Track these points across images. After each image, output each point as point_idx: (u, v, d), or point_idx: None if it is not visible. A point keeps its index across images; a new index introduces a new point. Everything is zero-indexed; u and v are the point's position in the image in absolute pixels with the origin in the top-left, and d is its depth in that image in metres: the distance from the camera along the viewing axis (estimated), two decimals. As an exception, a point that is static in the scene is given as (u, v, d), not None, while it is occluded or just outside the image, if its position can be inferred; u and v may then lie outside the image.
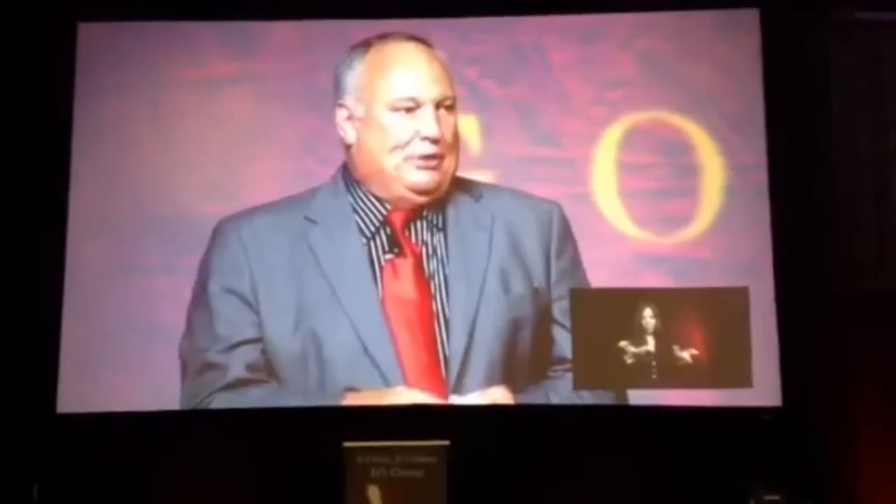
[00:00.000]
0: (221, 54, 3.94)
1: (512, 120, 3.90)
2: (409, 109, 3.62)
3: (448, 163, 3.68)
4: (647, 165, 3.87)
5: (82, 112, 3.91)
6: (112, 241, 3.84)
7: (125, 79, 3.92)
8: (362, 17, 3.86)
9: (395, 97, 3.63)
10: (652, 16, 3.94)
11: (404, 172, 3.64)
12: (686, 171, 3.87)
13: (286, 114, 3.87)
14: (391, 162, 3.64)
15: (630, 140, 3.88)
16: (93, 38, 3.95)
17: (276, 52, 3.94)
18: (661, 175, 3.87)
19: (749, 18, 3.92)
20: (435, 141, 3.62)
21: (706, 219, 3.84)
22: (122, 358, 3.76)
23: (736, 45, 3.90)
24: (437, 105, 3.64)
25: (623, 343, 3.74)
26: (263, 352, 3.65)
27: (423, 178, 3.64)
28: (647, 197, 3.85)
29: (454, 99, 3.69)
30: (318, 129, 3.80)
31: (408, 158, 3.63)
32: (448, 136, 3.66)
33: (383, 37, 3.71)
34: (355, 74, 3.67)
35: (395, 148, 3.63)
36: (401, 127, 3.63)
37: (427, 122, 3.61)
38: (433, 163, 3.64)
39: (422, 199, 3.67)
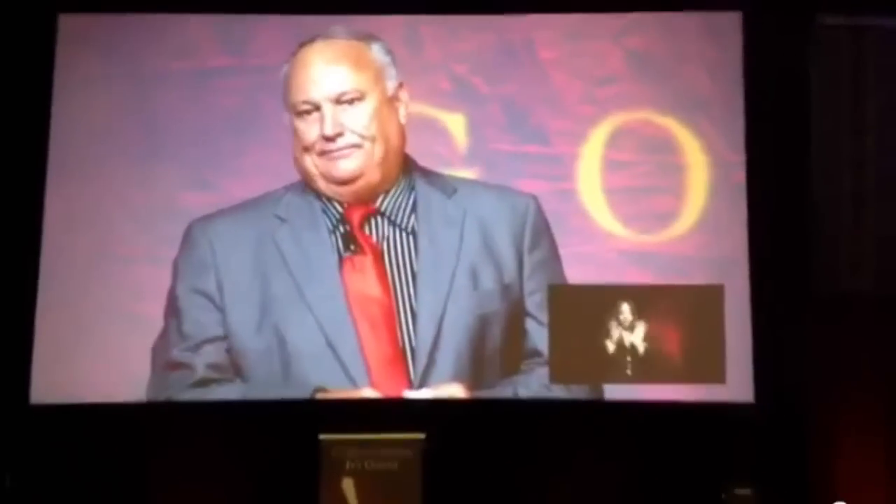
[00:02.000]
0: (209, 47, 3.94)
1: (500, 116, 3.90)
2: (309, 112, 3.68)
3: (372, 151, 3.69)
4: (633, 163, 3.89)
5: (62, 103, 3.89)
6: (93, 230, 3.82)
7: (107, 70, 3.91)
8: (352, 13, 3.87)
9: (295, 103, 3.71)
10: (640, 15, 3.95)
11: (325, 169, 3.69)
12: (671, 169, 3.88)
13: (273, 107, 3.85)
14: (309, 162, 3.71)
15: (617, 138, 3.89)
16: (73, 28, 3.94)
17: (266, 45, 3.93)
18: (647, 172, 3.88)
19: (733, 21, 3.94)
20: (331, 139, 3.66)
21: (690, 216, 3.86)
22: (98, 347, 3.75)
23: (721, 47, 3.92)
24: (337, 101, 3.67)
25: (599, 338, 3.75)
26: (228, 350, 3.67)
27: (342, 166, 3.69)
28: (632, 194, 3.86)
29: (361, 91, 3.69)
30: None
31: (321, 157, 3.68)
32: (358, 128, 3.68)
33: (311, 40, 3.76)
34: (281, 85, 3.75)
35: (306, 150, 3.70)
36: (307, 130, 3.70)
37: (324, 121, 3.66)
38: (346, 152, 3.68)
39: (347, 189, 3.69)
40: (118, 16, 3.96)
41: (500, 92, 3.91)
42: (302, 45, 3.76)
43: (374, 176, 3.70)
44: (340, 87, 3.69)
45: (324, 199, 3.74)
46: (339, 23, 3.82)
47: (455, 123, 3.88)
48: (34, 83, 3.89)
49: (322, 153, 3.68)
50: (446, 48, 3.91)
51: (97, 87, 3.91)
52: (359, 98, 3.69)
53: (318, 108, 3.68)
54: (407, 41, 3.85)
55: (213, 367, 3.66)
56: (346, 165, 3.69)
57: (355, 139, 3.68)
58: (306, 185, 3.75)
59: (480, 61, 3.93)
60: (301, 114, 3.69)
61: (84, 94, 3.90)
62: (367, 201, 3.72)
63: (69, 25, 3.95)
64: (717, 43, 3.92)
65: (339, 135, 3.67)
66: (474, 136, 3.89)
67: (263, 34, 3.95)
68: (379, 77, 3.72)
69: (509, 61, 3.93)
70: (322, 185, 3.72)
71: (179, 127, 3.89)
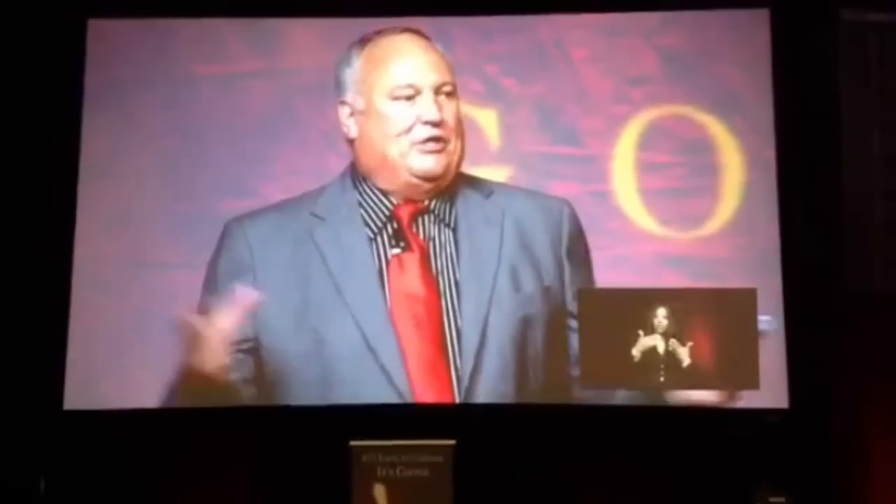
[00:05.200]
0: (240, 51, 3.94)
1: (532, 117, 3.89)
2: (408, 97, 3.64)
3: (453, 148, 3.68)
4: (668, 164, 3.87)
5: (93, 108, 3.90)
6: (126, 236, 3.83)
7: (138, 75, 3.91)
8: (381, 15, 3.86)
9: (394, 85, 3.65)
10: (670, 14, 3.93)
11: (409, 159, 3.65)
12: (706, 169, 3.86)
13: (306, 109, 3.87)
14: (395, 149, 3.65)
15: (650, 138, 3.87)
16: (102, 33, 3.95)
17: (296, 48, 3.93)
18: (682, 173, 3.86)
19: (760, 18, 3.91)
20: (436, 124, 3.63)
21: (726, 217, 3.83)
22: (132, 354, 3.76)
23: (752, 44, 3.89)
24: (437, 91, 3.65)
25: (630, 343, 3.73)
26: (265, 353, 3.64)
27: (429, 162, 3.65)
28: (667, 195, 3.85)
29: (454, 85, 3.70)
30: (338, 124, 3.77)
31: (411, 145, 3.64)
32: (450, 122, 3.67)
33: (379, 32, 3.74)
34: (353, 70, 3.69)
35: (398, 135, 3.64)
36: (402, 114, 3.64)
37: (427, 107, 3.63)
38: (437, 146, 3.65)
39: (428, 186, 3.67)
40: (147, 20, 3.97)
41: (531, 92, 3.90)
42: (367, 40, 3.70)
43: (450, 175, 3.70)
44: (442, 77, 3.68)
45: (373, 194, 3.70)
46: (371, 25, 3.80)
47: (487, 124, 3.86)
48: (65, 88, 3.90)
49: (417, 141, 3.63)
50: (477, 49, 3.89)
51: (128, 91, 3.91)
52: (452, 93, 3.69)
53: (418, 93, 3.64)
54: (438, 42, 3.80)
55: (248, 371, 3.64)
56: (438, 162, 3.65)
57: (450, 133, 3.66)
58: (365, 180, 3.69)
59: (512, 61, 3.91)
60: (399, 98, 3.64)
61: (115, 98, 3.91)
62: (418, 199, 3.70)
63: (98, 30, 3.95)
64: (747, 40, 3.90)
65: (443, 122, 3.64)
66: (506, 136, 3.89)
67: (293, 37, 3.95)
68: (455, 79, 3.73)
69: (541, 61, 3.92)
70: (399, 175, 3.66)
71: (212, 131, 3.89)
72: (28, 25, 3.92)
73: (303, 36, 3.95)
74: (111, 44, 3.95)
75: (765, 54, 3.88)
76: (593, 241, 3.79)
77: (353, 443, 3.59)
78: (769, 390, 3.70)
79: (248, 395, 3.64)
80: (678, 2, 3.94)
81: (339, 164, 3.79)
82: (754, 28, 3.90)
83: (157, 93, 3.91)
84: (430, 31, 3.82)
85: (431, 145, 3.64)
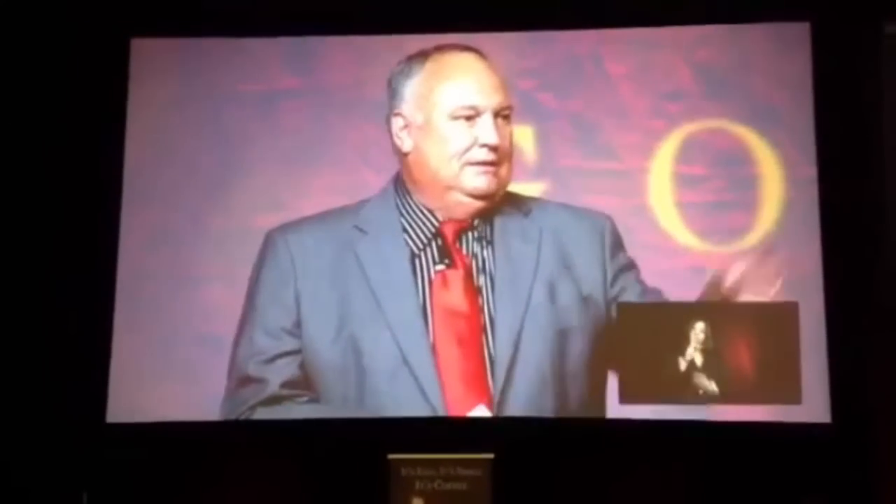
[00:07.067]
0: (277, 69, 3.99)
1: (568, 132, 3.90)
2: (468, 118, 3.66)
3: (504, 171, 3.70)
4: (705, 177, 3.85)
5: (135, 126, 3.97)
6: (168, 252, 3.88)
7: (179, 93, 3.98)
8: (416, 32, 3.89)
9: (456, 106, 3.67)
10: (708, 28, 3.93)
11: (462, 178, 3.67)
12: (745, 182, 3.84)
13: (343, 126, 3.92)
14: (449, 169, 3.67)
15: (687, 151, 3.86)
16: (145, 52, 4.02)
17: (333, 66, 3.98)
18: (719, 187, 3.84)
19: (801, 32, 3.89)
20: (494, 149, 3.65)
21: (766, 231, 3.80)
22: (173, 368, 3.80)
23: (791, 58, 3.87)
24: (496, 114, 3.67)
25: (670, 358, 3.71)
26: (302, 365, 3.67)
27: (482, 182, 3.66)
28: (704, 209, 3.83)
29: (511, 108, 3.72)
30: (374, 141, 3.83)
31: (466, 165, 3.66)
32: (505, 145, 3.69)
33: (440, 48, 3.76)
34: (414, 83, 3.71)
35: (454, 156, 3.66)
36: (460, 135, 3.66)
37: (487, 130, 3.64)
38: (491, 169, 3.67)
39: (478, 204, 3.69)
40: (187, 40, 4.04)
41: (567, 107, 3.91)
42: (427, 54, 3.72)
43: (498, 196, 3.72)
44: (503, 100, 3.70)
45: (419, 210, 3.72)
46: (405, 41, 3.83)
47: (524, 139, 3.87)
48: (109, 107, 3.97)
49: (473, 163, 3.65)
50: (512, 63, 3.89)
51: (169, 110, 3.97)
52: (509, 117, 3.72)
53: (478, 114, 3.66)
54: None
55: (287, 383, 3.66)
56: (491, 183, 3.67)
57: (503, 157, 3.69)
58: (410, 195, 3.71)
59: (548, 77, 3.92)
60: (459, 118, 3.66)
61: (157, 117, 3.98)
62: (462, 217, 3.72)
63: (141, 49, 4.03)
64: (786, 55, 3.88)
65: (500, 146, 3.66)
66: (543, 151, 3.89)
67: (328, 55, 4.00)
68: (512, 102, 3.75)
69: (577, 76, 3.93)
70: (449, 193, 3.68)
71: (251, 148, 3.94)
72: (72, 45, 3.99)
73: (338, 54, 3.99)
74: (153, 63, 4.02)
75: (805, 69, 3.86)
76: (631, 255, 3.78)
77: (391, 456, 3.59)
78: (811, 405, 3.66)
79: (296, 409, 3.67)
80: (717, 16, 3.93)
81: (374, 180, 3.82)
82: (793, 42, 3.88)
83: (196, 111, 3.97)
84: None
85: (486, 167, 3.66)
